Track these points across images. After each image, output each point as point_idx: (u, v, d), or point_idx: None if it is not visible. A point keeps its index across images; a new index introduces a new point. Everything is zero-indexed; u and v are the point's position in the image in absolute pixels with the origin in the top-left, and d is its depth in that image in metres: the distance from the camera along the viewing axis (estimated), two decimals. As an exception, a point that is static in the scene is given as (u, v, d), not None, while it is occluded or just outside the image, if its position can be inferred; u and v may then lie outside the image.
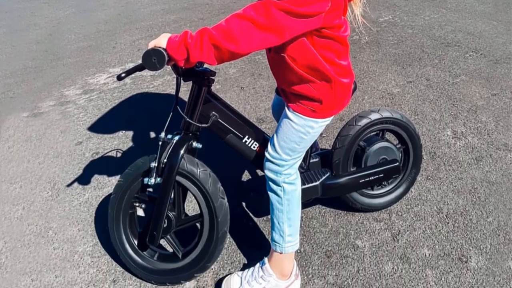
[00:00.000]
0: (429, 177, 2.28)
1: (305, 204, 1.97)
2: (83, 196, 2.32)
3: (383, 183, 2.00)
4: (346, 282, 1.74)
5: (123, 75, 1.34)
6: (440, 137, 2.60)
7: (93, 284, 1.82)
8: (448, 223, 1.99)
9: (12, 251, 2.03)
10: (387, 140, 1.96)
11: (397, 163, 1.93)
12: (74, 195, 2.34)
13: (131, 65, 3.71)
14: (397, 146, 1.98)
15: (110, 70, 3.89)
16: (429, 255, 1.83)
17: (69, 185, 2.41)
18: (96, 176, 2.45)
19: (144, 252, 1.77)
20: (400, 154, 2.00)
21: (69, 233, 2.09)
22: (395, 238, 1.93)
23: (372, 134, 1.95)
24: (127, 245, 1.76)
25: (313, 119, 1.49)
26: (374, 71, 3.46)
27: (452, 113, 2.82)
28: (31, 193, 2.40)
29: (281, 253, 1.63)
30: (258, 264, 1.70)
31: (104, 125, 3.02)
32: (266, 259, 1.68)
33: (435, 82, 3.21)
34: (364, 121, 1.87)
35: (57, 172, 2.55)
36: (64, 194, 2.35)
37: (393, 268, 1.79)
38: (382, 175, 1.91)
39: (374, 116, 1.88)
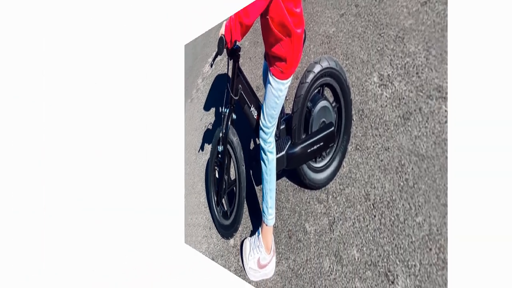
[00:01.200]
0: (358, 147, 1.88)
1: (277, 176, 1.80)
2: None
3: (323, 153, 1.54)
4: (299, 271, 1.73)
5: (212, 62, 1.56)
6: (367, 86, 2.15)
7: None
8: (375, 217, 1.64)
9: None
10: (325, 98, 1.66)
11: (332, 127, 1.50)
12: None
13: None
14: (333, 105, 1.67)
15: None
16: (358, 259, 1.56)
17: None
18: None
19: (217, 208, 1.96)
20: (335, 115, 1.56)
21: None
22: (331, 228, 1.73)
23: (315, 91, 1.64)
24: (213, 204, 1.96)
25: (281, 81, 1.39)
26: (316, 12, 2.62)
27: (379, 48, 2.24)
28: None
29: (266, 225, 1.59)
30: (256, 233, 1.71)
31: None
32: (260, 230, 1.68)
33: (363, 7, 2.43)
34: (310, 76, 1.62)
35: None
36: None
37: (330, 266, 1.68)
38: (322, 143, 1.53)
39: (317, 68, 1.63)
